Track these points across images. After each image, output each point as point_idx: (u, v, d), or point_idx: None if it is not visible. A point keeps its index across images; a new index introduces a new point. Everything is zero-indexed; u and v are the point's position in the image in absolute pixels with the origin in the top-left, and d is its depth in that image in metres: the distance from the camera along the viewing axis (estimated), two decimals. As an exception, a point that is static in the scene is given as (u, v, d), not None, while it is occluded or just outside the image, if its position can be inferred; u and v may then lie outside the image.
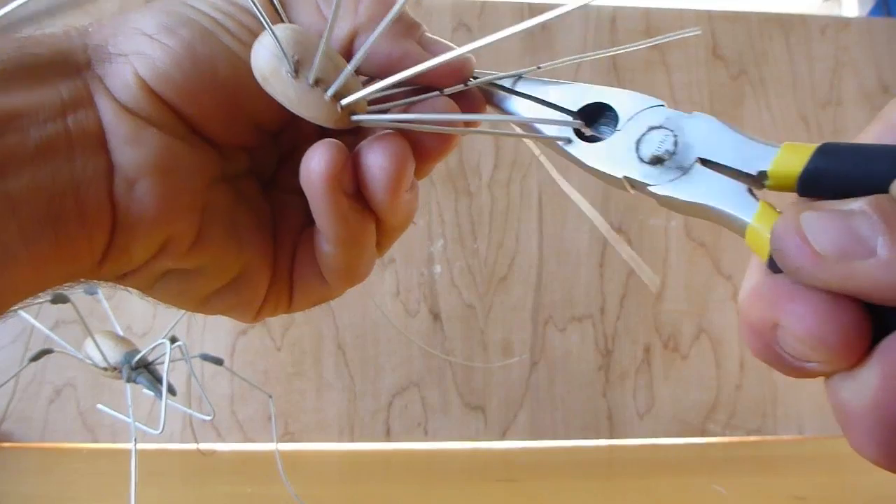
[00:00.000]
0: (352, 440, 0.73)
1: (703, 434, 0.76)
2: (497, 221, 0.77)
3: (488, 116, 0.25)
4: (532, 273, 0.77)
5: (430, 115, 0.23)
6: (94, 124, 0.21)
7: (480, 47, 0.22)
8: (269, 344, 0.74)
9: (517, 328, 0.76)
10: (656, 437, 0.76)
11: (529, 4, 0.81)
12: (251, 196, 0.27)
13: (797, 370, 0.18)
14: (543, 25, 0.80)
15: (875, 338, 0.16)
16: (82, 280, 0.23)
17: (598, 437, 0.75)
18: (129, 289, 0.25)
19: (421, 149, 0.24)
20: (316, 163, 0.22)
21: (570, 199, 0.26)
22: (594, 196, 0.79)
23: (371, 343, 0.75)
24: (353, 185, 0.23)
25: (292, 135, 0.27)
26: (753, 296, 0.18)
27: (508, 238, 0.77)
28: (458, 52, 0.22)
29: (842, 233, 0.16)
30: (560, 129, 0.24)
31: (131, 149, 0.22)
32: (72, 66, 0.22)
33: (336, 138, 0.23)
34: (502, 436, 0.74)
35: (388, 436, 0.73)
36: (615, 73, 0.80)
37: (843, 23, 0.86)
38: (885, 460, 0.16)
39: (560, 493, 0.61)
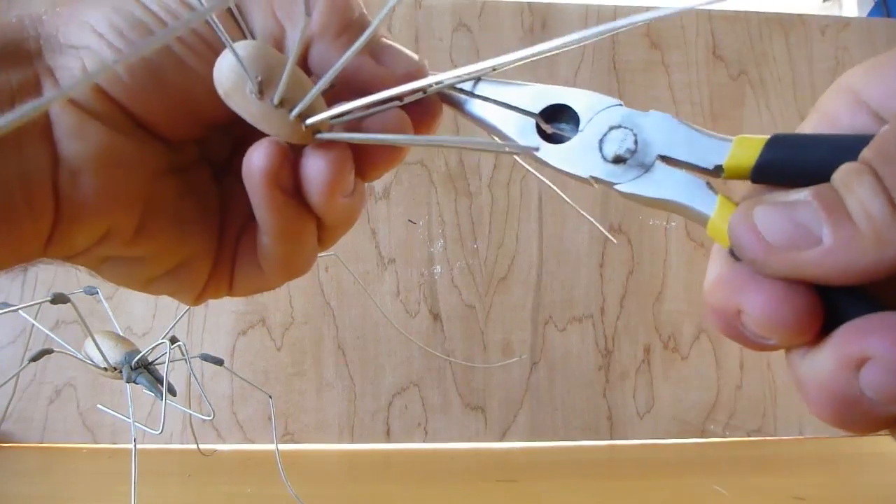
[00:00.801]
0: (352, 440, 0.73)
1: (703, 434, 0.76)
2: (497, 221, 0.77)
3: (445, 138, 0.25)
4: (532, 273, 0.77)
5: (392, 136, 0.24)
6: (42, 115, 0.22)
7: (518, 62, 0.22)
8: (269, 344, 0.74)
9: (517, 328, 0.76)
10: (656, 437, 0.76)
11: (529, 4, 0.81)
12: (199, 186, 0.27)
13: (759, 346, 0.19)
14: (544, 25, 0.80)
15: (829, 317, 0.18)
16: (31, 262, 0.24)
17: (598, 438, 0.75)
18: (79, 267, 0.26)
19: (371, 159, 0.25)
20: (255, 159, 0.23)
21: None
22: (594, 196, 0.79)
23: (371, 343, 0.75)
24: (291, 184, 0.24)
25: (245, 123, 0.27)
26: (717, 283, 0.20)
27: (508, 238, 0.77)
28: (475, 67, 0.22)
29: (790, 224, 0.18)
30: (524, 137, 0.24)
31: (75, 141, 0.22)
32: (23, 55, 0.22)
33: None
34: (502, 436, 0.74)
35: (388, 436, 0.73)
36: (615, 74, 0.80)
37: (843, 23, 0.86)
38: (837, 425, 0.18)
39: (560, 493, 0.61)
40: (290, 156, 0.23)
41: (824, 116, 0.21)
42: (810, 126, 0.21)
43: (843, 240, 0.17)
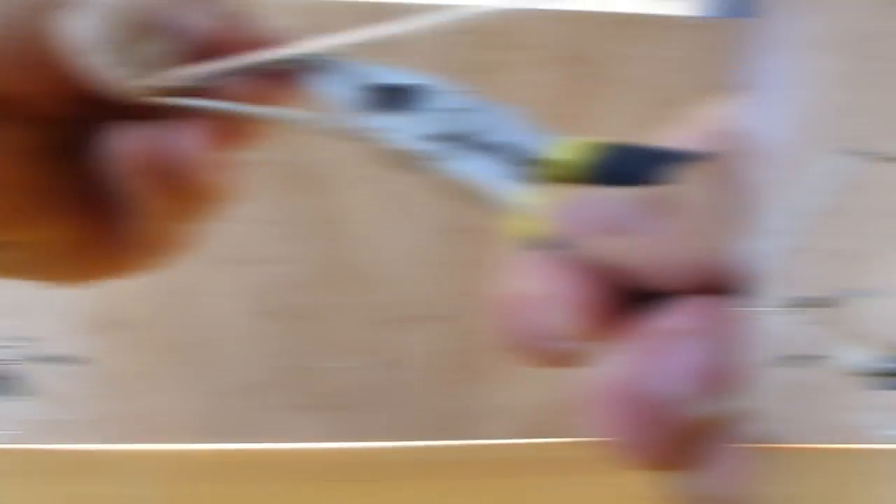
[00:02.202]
0: (213, 440, 0.72)
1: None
2: (343, 221, 0.75)
3: (297, 113, 0.24)
4: (377, 272, 0.76)
5: (249, 107, 0.23)
6: None
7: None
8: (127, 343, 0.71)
9: (365, 329, 0.75)
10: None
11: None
12: (59, 165, 0.25)
13: (549, 355, 0.19)
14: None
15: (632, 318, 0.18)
16: None
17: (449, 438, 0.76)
18: None
19: (232, 131, 0.24)
20: (122, 145, 0.22)
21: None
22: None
23: (217, 344, 0.73)
24: (163, 166, 0.23)
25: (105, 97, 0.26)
26: (516, 275, 0.19)
27: (354, 238, 0.75)
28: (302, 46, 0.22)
29: (608, 214, 0.18)
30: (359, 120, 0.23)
31: None
32: None
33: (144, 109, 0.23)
34: (358, 437, 0.75)
35: (242, 436, 0.73)
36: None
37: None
38: (627, 442, 0.16)
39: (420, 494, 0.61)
40: (158, 138, 0.23)
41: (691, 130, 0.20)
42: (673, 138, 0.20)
43: (670, 233, 0.17)
